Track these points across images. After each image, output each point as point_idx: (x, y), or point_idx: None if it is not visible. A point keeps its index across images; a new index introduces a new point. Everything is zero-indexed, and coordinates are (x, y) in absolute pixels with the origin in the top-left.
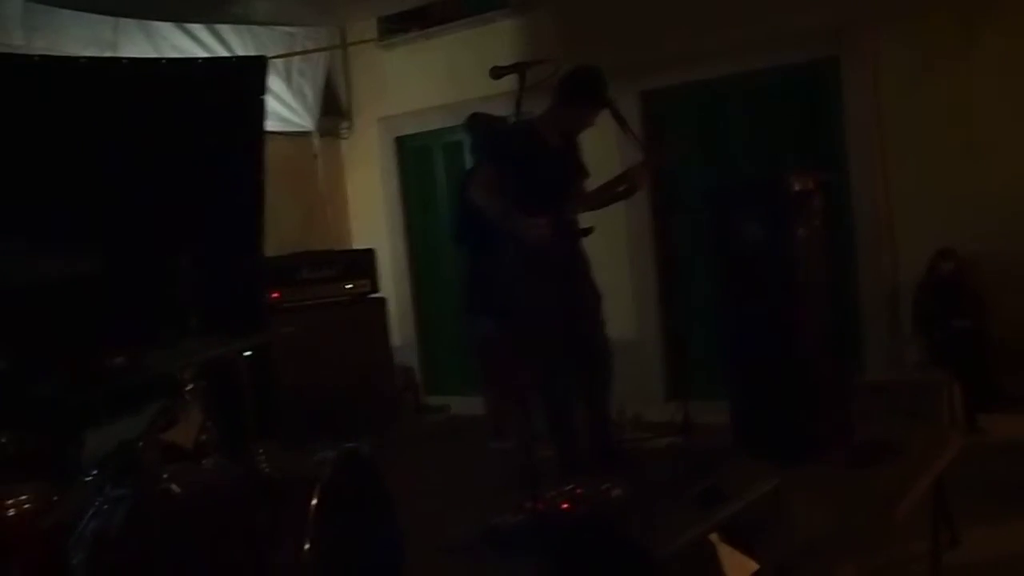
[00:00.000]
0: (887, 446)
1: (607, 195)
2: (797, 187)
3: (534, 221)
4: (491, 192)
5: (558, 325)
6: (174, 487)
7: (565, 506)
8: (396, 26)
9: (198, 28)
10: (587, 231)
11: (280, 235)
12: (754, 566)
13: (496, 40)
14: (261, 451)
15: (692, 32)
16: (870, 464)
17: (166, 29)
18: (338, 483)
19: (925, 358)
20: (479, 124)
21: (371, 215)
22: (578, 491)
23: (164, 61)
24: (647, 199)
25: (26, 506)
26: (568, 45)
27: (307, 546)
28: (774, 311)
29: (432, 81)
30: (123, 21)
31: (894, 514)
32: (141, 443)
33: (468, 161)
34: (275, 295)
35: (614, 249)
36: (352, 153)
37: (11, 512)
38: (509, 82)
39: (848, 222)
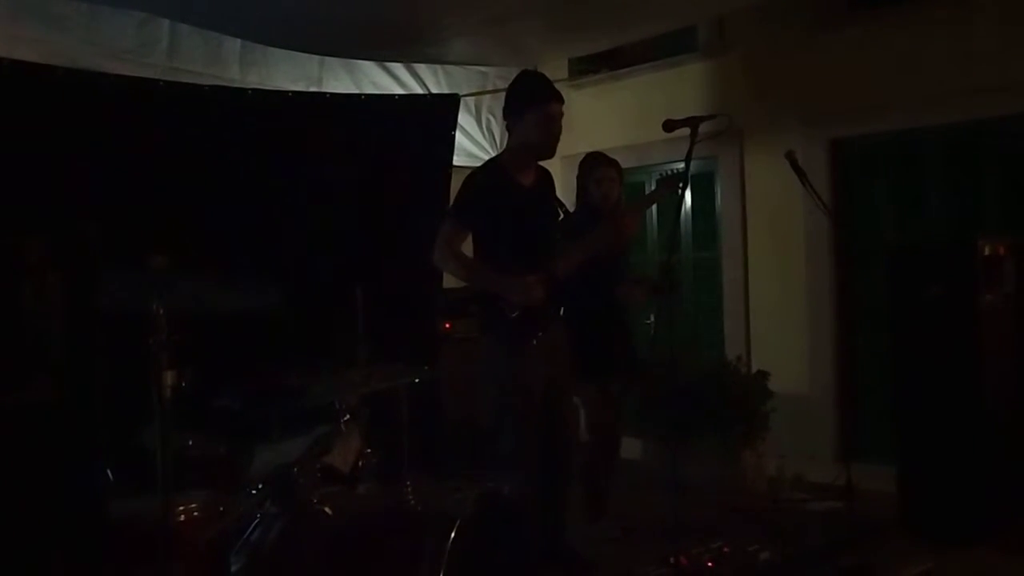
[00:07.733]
0: None
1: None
2: (986, 251)
3: (521, 279)
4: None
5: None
6: (326, 509)
7: (710, 564)
8: (587, 67)
9: (397, 67)
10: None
11: None
12: None
13: (684, 83)
14: (409, 482)
15: (888, 80)
16: None
17: (367, 67)
18: (478, 521)
19: None
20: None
21: None
22: (725, 549)
23: (363, 96)
24: (829, 249)
25: (195, 514)
26: (757, 90)
27: None
28: (952, 378)
29: (618, 122)
30: (329, 59)
31: None
32: (298, 466)
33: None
34: (447, 325)
35: (791, 297)
36: None
37: (181, 518)
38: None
39: None
